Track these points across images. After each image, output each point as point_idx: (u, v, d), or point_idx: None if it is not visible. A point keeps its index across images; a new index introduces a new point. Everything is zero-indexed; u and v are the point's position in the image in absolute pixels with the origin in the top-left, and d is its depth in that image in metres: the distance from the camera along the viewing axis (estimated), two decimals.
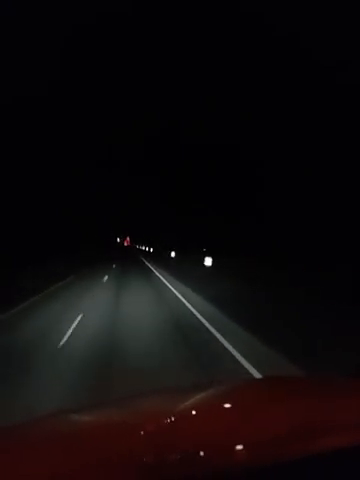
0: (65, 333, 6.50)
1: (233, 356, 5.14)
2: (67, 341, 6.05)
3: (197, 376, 4.34)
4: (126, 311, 8.73)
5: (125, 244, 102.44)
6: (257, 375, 4.53)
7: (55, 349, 5.62)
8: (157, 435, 1.06)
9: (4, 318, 8.06)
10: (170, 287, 13.02)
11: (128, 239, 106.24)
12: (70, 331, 6.67)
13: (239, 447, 0.94)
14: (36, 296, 10.95)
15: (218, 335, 6.30)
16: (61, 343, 5.92)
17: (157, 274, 18.33)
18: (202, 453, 0.90)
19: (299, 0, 12.99)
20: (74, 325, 7.13)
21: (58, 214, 32.23)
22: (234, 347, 5.54)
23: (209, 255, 18.69)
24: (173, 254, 32.42)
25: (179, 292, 11.61)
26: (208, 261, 18.03)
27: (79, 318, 7.71)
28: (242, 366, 4.74)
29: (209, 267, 18.00)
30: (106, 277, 16.29)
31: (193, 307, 9.01)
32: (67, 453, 0.94)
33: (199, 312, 8.36)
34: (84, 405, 1.70)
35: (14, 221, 22.83)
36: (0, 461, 0.93)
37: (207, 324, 7.20)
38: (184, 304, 9.57)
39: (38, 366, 4.88)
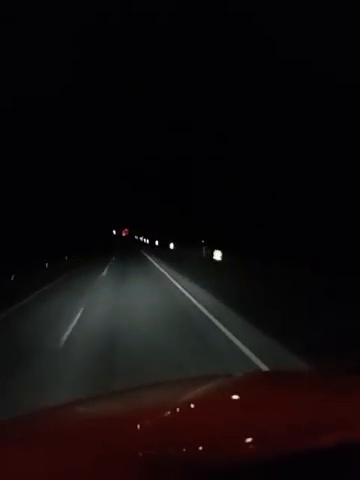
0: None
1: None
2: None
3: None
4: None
5: (123, 234, 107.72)
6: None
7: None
8: (159, 428, 1.05)
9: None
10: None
11: (126, 230, 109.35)
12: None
13: (242, 441, 0.92)
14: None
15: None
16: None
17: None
18: (204, 447, 0.89)
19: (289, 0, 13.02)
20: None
21: (62, 209, 32.43)
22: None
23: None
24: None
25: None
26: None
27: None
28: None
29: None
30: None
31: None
32: (67, 447, 0.93)
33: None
34: (84, 398, 1.70)
35: (20, 218, 22.97)
36: None
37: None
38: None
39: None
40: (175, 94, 24.07)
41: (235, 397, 1.34)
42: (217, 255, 17.09)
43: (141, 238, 79.08)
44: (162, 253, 29.89)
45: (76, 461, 0.86)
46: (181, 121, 25.40)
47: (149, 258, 27.90)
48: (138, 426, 1.09)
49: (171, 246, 31.83)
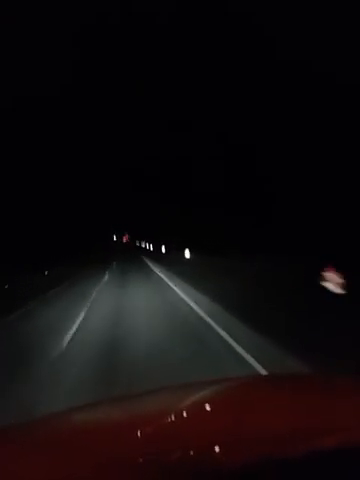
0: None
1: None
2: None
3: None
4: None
5: (124, 241, 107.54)
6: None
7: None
8: (159, 434, 1.05)
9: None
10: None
11: (127, 236, 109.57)
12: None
13: (243, 445, 0.92)
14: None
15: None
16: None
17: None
18: (206, 452, 0.89)
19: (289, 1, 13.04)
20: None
21: (61, 211, 32.32)
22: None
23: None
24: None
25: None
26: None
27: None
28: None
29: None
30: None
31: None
32: (67, 454, 0.93)
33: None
34: (84, 405, 1.70)
35: (18, 220, 22.94)
36: None
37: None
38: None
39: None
40: (175, 94, 24.08)
41: (236, 401, 1.34)
42: (333, 283, 7.77)
43: (143, 244, 69.23)
44: (179, 266, 19.21)
45: (77, 467, 0.86)
46: (181, 121, 25.41)
47: (163, 277, 16.36)
48: (139, 432, 1.09)
49: (187, 255, 22.86)
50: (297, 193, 14.32)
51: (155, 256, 33.21)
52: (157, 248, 39.18)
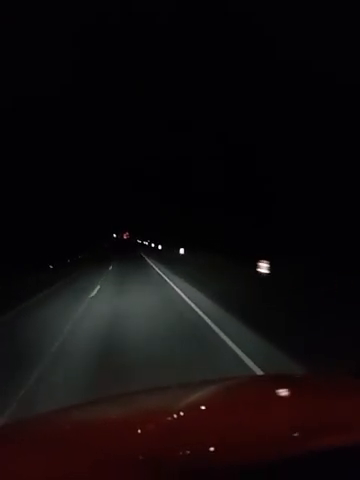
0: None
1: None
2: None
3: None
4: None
5: (124, 237, 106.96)
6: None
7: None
8: (159, 432, 1.05)
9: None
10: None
11: (127, 233, 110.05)
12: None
13: (243, 445, 0.92)
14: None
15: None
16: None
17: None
18: (205, 451, 0.89)
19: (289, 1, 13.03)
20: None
21: (61, 210, 32.20)
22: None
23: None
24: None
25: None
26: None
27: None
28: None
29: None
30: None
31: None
32: (67, 452, 0.93)
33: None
34: (84, 402, 1.69)
35: (18, 219, 22.90)
36: None
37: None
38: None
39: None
40: (175, 94, 24.08)
41: (235, 401, 1.34)
42: None
43: (145, 242, 59.25)
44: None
45: (76, 465, 0.85)
46: (181, 121, 25.43)
47: None
48: (138, 430, 1.09)
49: (264, 268, 11.95)
50: (297, 193, 14.31)
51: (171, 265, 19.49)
52: (165, 249, 32.75)
